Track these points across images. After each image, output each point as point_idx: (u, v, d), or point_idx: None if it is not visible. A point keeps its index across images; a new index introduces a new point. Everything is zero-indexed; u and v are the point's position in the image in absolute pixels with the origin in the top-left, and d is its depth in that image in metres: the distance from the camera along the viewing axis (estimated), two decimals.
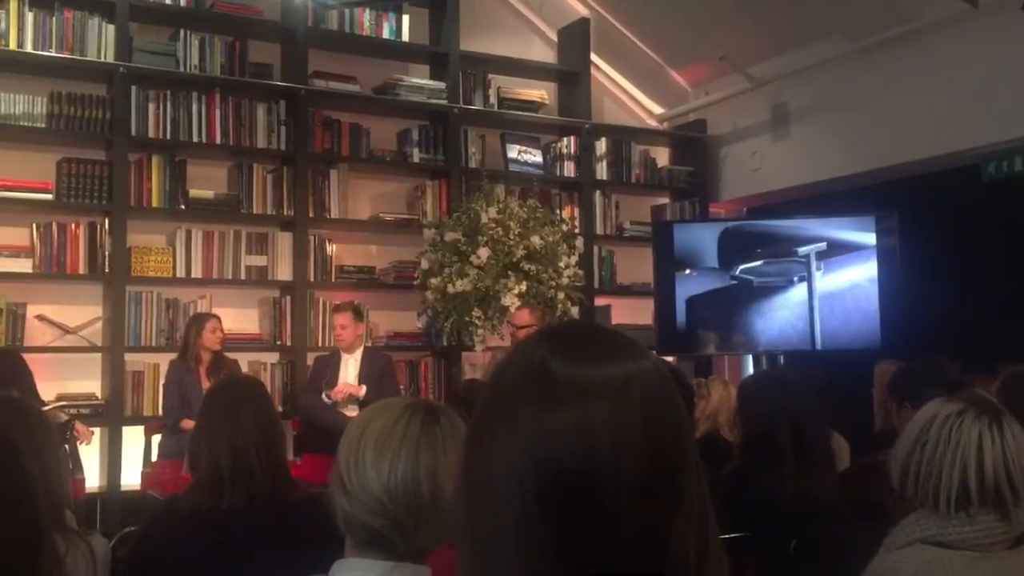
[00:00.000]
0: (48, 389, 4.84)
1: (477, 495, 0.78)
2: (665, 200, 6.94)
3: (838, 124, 5.88)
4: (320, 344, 5.64)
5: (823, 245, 5.59)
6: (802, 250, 5.59)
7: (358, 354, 5.23)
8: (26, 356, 4.73)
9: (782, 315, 5.62)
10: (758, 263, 5.64)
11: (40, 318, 5.13)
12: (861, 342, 5.45)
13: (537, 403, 0.77)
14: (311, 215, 5.65)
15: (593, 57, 6.66)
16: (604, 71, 6.94)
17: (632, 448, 0.76)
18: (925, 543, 1.68)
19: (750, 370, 6.30)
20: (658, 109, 7.11)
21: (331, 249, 5.76)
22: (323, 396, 5.07)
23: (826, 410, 2.63)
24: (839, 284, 5.57)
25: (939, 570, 1.64)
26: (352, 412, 5.04)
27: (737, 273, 5.68)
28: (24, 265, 5.03)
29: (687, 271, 5.81)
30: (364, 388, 5.05)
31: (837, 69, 5.78)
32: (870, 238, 5.56)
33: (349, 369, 5.19)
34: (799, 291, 5.61)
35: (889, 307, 5.43)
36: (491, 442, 0.78)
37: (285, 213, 5.60)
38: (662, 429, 0.78)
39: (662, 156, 7.00)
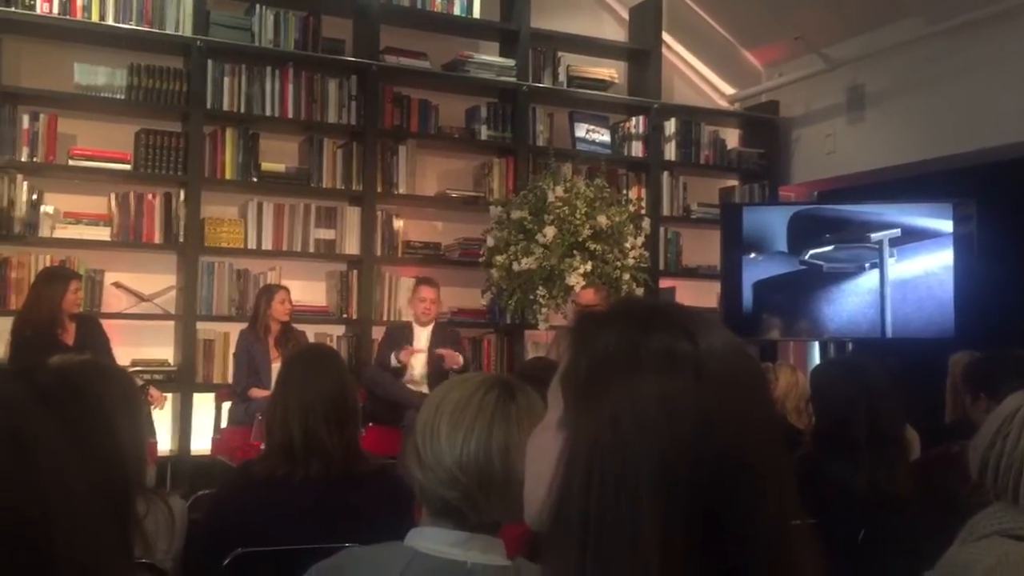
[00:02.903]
0: (123, 354, 4.98)
1: (605, 486, 0.74)
2: (734, 182, 6.85)
3: (916, 108, 5.73)
4: (385, 318, 5.70)
5: (897, 231, 5.46)
6: (875, 236, 5.48)
7: (430, 328, 5.30)
8: (103, 321, 4.90)
9: (852, 302, 5.52)
10: (829, 248, 5.55)
11: (117, 285, 5.27)
12: (934, 331, 5.33)
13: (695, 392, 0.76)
14: (379, 190, 5.70)
15: (664, 36, 6.57)
16: (675, 50, 6.85)
17: (772, 434, 0.77)
18: (1003, 536, 1.64)
19: (816, 356, 6.21)
20: (729, 90, 7.01)
21: (398, 224, 5.81)
22: (392, 358, 5.12)
23: (901, 400, 2.58)
24: (912, 271, 5.45)
25: (1017, 563, 1.61)
26: (418, 387, 5.10)
27: (807, 258, 5.59)
28: (103, 233, 5.17)
29: (754, 255, 5.74)
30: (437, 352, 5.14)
31: (916, 51, 5.63)
32: (947, 225, 5.42)
33: (421, 342, 5.26)
34: (870, 278, 5.50)
35: (964, 296, 5.30)
36: (637, 430, 0.74)
37: (354, 188, 5.66)
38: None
39: (732, 138, 6.91)
